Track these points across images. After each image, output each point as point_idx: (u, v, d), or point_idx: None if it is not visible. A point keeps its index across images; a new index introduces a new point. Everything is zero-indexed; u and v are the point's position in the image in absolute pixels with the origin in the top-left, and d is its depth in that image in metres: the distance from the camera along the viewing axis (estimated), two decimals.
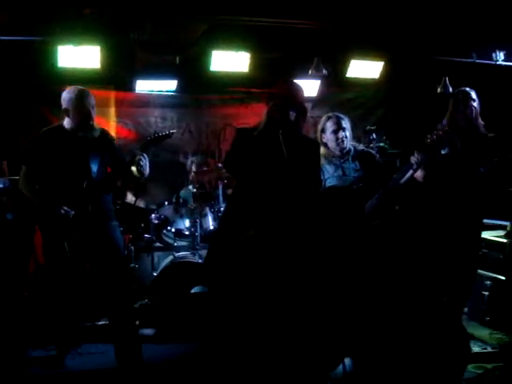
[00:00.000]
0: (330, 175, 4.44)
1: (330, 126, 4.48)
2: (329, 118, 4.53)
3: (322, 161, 4.33)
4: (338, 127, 4.46)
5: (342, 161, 4.47)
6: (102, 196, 4.14)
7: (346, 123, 4.49)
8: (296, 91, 3.90)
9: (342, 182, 4.41)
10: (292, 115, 3.77)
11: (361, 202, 4.28)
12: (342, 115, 4.55)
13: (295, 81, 4.06)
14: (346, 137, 4.46)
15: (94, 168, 4.07)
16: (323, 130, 4.52)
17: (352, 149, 4.52)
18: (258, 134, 3.80)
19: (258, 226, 3.73)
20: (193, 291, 4.93)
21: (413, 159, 4.28)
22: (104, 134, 4.25)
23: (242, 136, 3.95)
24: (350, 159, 4.49)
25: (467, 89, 4.64)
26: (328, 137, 4.49)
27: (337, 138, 4.44)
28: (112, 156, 4.21)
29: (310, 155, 3.88)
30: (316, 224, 3.69)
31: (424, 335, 2.99)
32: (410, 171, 4.30)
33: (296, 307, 3.59)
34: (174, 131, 4.16)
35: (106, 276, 4.11)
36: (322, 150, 4.38)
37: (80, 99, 4.03)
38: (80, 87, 4.11)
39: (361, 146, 4.65)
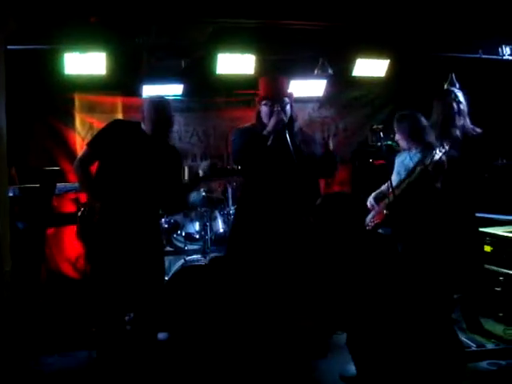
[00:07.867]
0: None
1: None
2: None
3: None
4: None
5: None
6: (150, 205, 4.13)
7: None
8: (284, 84, 4.05)
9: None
10: (290, 109, 3.93)
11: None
12: None
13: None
14: None
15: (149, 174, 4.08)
16: None
17: None
18: (266, 136, 3.83)
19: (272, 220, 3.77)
20: None
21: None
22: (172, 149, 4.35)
23: (248, 135, 3.99)
24: None
25: (454, 92, 4.75)
26: None
27: None
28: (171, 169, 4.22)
29: (311, 141, 4.04)
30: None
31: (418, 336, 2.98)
32: None
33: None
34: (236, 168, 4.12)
35: (141, 285, 4.10)
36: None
37: (148, 110, 4.21)
38: (154, 98, 4.34)
39: None
